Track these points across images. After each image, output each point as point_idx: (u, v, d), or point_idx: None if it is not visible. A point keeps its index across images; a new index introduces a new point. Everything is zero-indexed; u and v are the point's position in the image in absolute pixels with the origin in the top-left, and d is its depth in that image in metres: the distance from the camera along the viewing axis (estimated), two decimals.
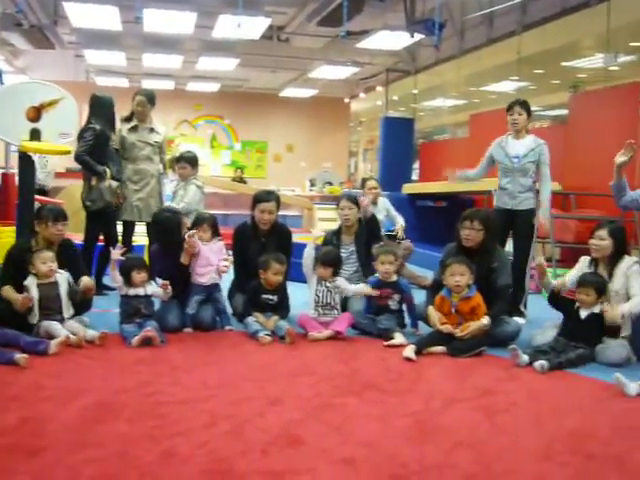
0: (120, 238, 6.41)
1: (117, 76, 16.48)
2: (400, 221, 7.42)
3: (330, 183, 16.66)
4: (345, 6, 9.49)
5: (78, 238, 6.11)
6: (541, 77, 13.17)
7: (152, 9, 9.83)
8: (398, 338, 4.83)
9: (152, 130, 6.50)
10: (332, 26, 11.42)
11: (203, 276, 5.12)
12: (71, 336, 4.38)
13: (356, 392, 3.72)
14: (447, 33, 10.99)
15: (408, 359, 4.42)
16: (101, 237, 6.37)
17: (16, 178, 7.11)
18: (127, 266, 4.82)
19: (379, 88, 16.77)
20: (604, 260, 4.81)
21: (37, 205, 6.06)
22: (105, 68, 15.92)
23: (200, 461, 2.71)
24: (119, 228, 6.49)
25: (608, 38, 9.19)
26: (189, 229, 5.22)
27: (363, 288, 5.17)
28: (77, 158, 6.19)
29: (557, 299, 4.84)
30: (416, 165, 14.96)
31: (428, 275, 5.61)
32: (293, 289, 5.40)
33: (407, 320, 5.25)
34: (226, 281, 5.51)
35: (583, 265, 4.95)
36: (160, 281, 4.91)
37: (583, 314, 4.64)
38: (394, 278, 5.23)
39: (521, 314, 5.78)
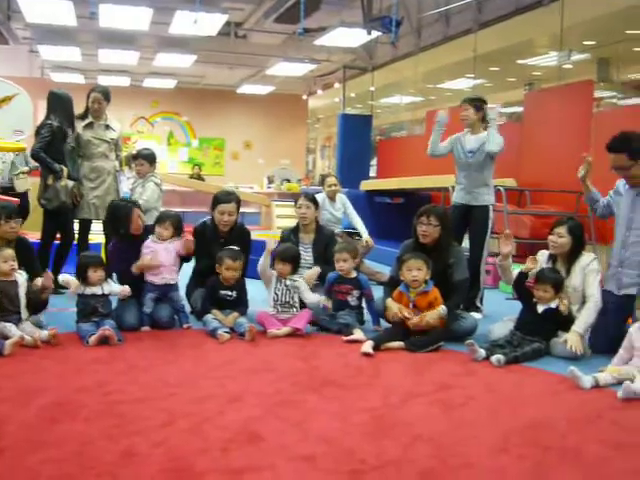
0: (77, 236, 6.35)
1: (72, 72, 16.28)
2: (364, 232, 7.38)
3: (288, 180, 16.66)
4: (302, 3, 9.49)
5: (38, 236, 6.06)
6: (497, 75, 13.33)
7: (107, 4, 9.73)
8: (357, 334, 4.86)
9: (108, 127, 6.43)
10: (289, 23, 11.44)
11: (155, 275, 5.08)
12: (26, 337, 4.32)
13: (315, 388, 3.74)
14: (404, 30, 11.07)
15: (366, 354, 4.45)
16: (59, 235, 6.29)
17: None
18: (83, 264, 4.77)
19: (337, 85, 16.81)
20: (563, 256, 4.88)
21: None
22: (60, 64, 15.72)
23: (159, 460, 2.70)
24: (76, 226, 6.42)
25: (562, 37, 9.33)
26: (152, 227, 5.20)
27: (320, 300, 5.19)
28: (33, 155, 6.12)
29: (522, 283, 4.87)
30: (374, 162, 15.02)
31: (386, 271, 5.65)
32: (252, 286, 5.39)
33: (367, 316, 5.28)
34: (185, 277, 5.49)
35: (542, 260, 5.03)
36: (119, 287, 4.88)
37: (540, 309, 4.72)
38: (354, 274, 5.27)
39: (477, 309, 5.85)
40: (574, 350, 4.48)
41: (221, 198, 5.45)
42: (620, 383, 3.82)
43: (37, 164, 6.38)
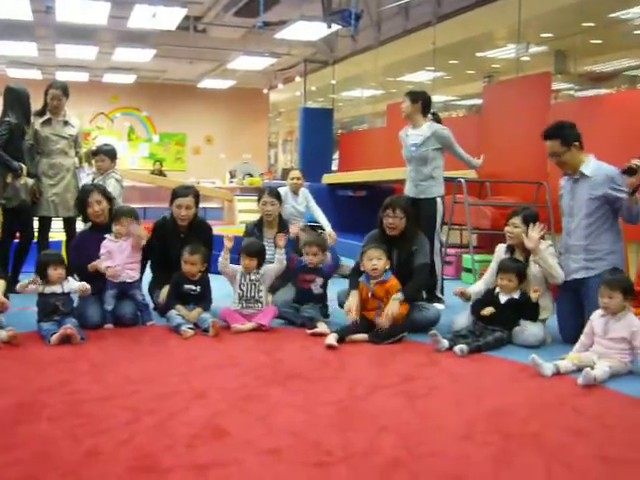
0: (36, 235, 6.27)
1: (29, 68, 16.01)
2: (327, 226, 7.39)
3: (250, 175, 16.61)
4: None
5: None
6: (456, 67, 13.41)
7: None
8: (321, 327, 4.88)
9: (66, 123, 6.35)
10: (249, 17, 11.40)
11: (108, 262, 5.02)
12: None
13: (280, 382, 3.75)
14: (364, 24, 11.08)
15: (330, 347, 4.48)
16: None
17: None
18: (43, 262, 4.71)
19: (298, 79, 16.80)
20: (520, 246, 4.96)
21: None
22: (16, 59, 15.44)
23: (124, 458, 2.68)
24: (36, 224, 6.33)
25: (519, 29, 9.42)
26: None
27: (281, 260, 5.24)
28: None
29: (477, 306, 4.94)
30: (336, 155, 15.04)
31: (350, 264, 5.67)
32: (216, 282, 5.37)
33: (331, 309, 5.30)
34: (147, 274, 5.46)
35: (500, 253, 5.10)
36: (79, 284, 4.82)
37: (503, 299, 4.78)
38: (319, 266, 5.31)
39: (439, 300, 5.91)
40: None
41: (178, 192, 5.40)
42: (580, 370, 3.89)
43: None
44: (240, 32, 13.15)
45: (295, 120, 16.89)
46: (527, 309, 4.74)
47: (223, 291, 5.40)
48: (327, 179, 11.38)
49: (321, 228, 7.37)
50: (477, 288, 5.08)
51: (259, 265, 5.19)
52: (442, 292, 6.05)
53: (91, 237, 5.12)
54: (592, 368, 3.89)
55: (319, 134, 13.75)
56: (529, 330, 4.71)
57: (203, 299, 5.12)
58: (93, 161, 6.40)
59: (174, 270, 5.15)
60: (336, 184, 11.09)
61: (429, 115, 6.16)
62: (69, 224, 6.33)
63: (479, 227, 7.98)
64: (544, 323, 4.87)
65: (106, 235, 5.08)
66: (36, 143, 6.21)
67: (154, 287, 5.45)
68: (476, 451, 2.85)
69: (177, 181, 14.04)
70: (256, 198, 6.16)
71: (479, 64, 12.68)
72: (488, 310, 4.74)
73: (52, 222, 6.39)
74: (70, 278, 4.83)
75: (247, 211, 10.95)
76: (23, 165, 5.94)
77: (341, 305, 5.26)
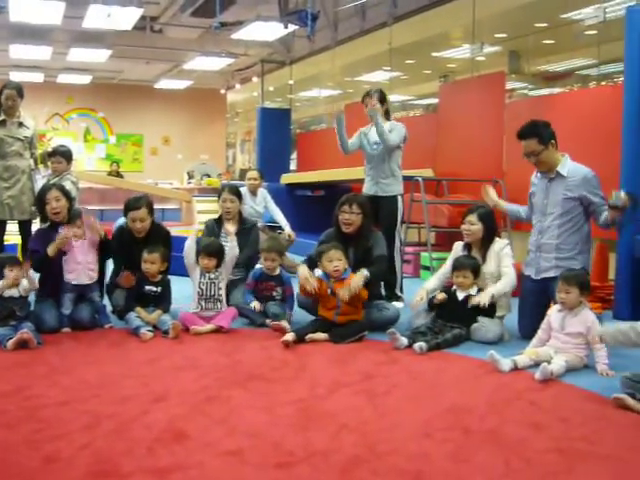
0: None
1: None
2: (286, 226, 7.40)
3: (208, 175, 16.54)
4: None
5: None
6: (412, 67, 13.51)
7: None
8: (283, 323, 4.89)
9: (21, 124, 6.24)
10: (206, 17, 11.33)
11: (71, 273, 4.95)
12: None
13: (241, 383, 3.74)
14: (321, 24, 11.09)
15: (286, 344, 4.49)
16: None
17: None
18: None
19: (255, 79, 16.76)
20: (477, 244, 5.02)
21: None
22: None
23: (83, 463, 2.65)
24: None
25: (474, 30, 9.53)
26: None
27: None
28: None
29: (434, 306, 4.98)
30: (294, 155, 15.05)
31: None
32: (176, 283, 5.33)
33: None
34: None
35: (457, 251, 5.16)
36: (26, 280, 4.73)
37: (460, 296, 4.84)
38: (277, 272, 5.32)
39: (399, 298, 5.95)
40: (478, 302, 4.68)
41: (130, 205, 5.24)
42: (538, 365, 3.96)
43: None
44: (197, 32, 13.07)
45: (253, 120, 16.85)
46: (484, 306, 4.79)
47: (184, 292, 5.37)
48: (285, 179, 11.38)
49: (280, 228, 7.39)
50: (432, 285, 5.10)
51: (218, 265, 5.18)
52: (401, 290, 6.10)
53: (49, 234, 5.01)
54: (549, 363, 3.96)
55: (277, 134, 13.75)
56: (487, 327, 4.77)
57: (163, 300, 5.09)
58: (49, 163, 6.31)
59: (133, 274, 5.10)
60: (294, 184, 11.11)
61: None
62: (24, 227, 6.23)
63: (437, 225, 8.06)
64: (502, 320, 4.94)
65: (62, 228, 4.95)
66: None
67: (113, 289, 5.38)
68: (435, 448, 2.88)
69: (134, 182, 13.97)
70: (214, 199, 6.14)
71: (435, 64, 12.78)
72: (441, 296, 4.80)
73: (7, 225, 6.28)
74: (24, 280, 4.72)
75: (206, 212, 10.89)
76: None
77: (301, 305, 5.27)
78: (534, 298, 4.92)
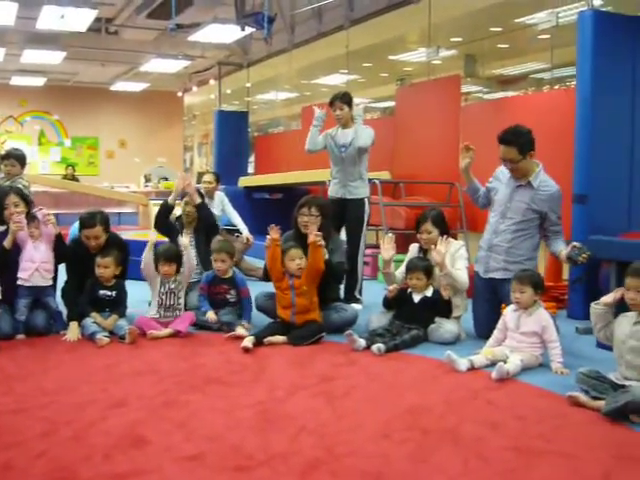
0: None
1: None
2: (244, 229, 7.38)
3: (166, 178, 16.43)
4: None
5: None
6: (370, 70, 13.58)
7: None
8: (239, 330, 4.87)
9: None
10: (162, 19, 11.24)
11: (25, 271, 4.85)
12: None
13: (199, 387, 3.73)
14: (278, 27, 11.10)
15: (246, 349, 4.48)
16: None
17: None
18: None
19: (212, 82, 16.67)
20: (433, 247, 5.05)
21: None
22: None
23: (40, 472, 2.62)
24: None
25: (430, 33, 9.62)
26: None
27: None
28: None
29: (389, 302, 5.03)
30: (252, 158, 15.02)
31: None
32: (132, 287, 5.28)
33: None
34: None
35: (413, 252, 5.19)
36: None
37: (416, 298, 4.88)
38: (230, 274, 5.28)
39: (357, 300, 5.98)
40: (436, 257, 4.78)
41: (84, 222, 5.04)
42: (494, 364, 4.01)
43: None
44: (153, 34, 12.97)
45: (210, 123, 16.76)
46: (440, 307, 4.84)
47: (139, 296, 5.33)
48: (243, 182, 11.36)
49: (238, 232, 7.37)
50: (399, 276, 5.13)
51: (177, 270, 5.14)
52: (360, 293, 6.12)
53: (5, 236, 4.92)
54: (505, 362, 4.02)
55: (235, 137, 13.72)
56: (444, 327, 4.82)
57: (119, 304, 5.03)
58: (2, 165, 6.20)
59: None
60: (252, 187, 11.09)
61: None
62: None
63: (394, 227, 8.11)
64: (459, 320, 5.00)
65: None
66: None
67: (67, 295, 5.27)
68: (394, 449, 2.90)
69: (90, 186, 13.79)
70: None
71: (392, 67, 12.88)
72: (393, 287, 4.86)
73: None
74: None
75: None
76: None
77: (259, 308, 5.26)
78: (485, 296, 4.99)
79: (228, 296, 5.22)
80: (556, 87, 8.44)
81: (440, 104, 8.86)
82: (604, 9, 6.35)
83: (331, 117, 6.17)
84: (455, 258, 4.98)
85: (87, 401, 3.46)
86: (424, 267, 4.89)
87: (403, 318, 4.84)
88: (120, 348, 4.60)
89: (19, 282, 4.86)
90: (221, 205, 7.59)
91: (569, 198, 5.68)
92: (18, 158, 6.13)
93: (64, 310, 5.10)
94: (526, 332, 4.23)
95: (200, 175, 7.96)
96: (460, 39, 10.90)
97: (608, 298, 3.65)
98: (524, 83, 10.54)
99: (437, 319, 4.87)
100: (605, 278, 5.50)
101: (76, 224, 5.46)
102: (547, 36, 8.47)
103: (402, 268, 5.12)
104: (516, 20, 9.57)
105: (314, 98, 13.89)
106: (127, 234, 7.97)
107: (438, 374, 4.06)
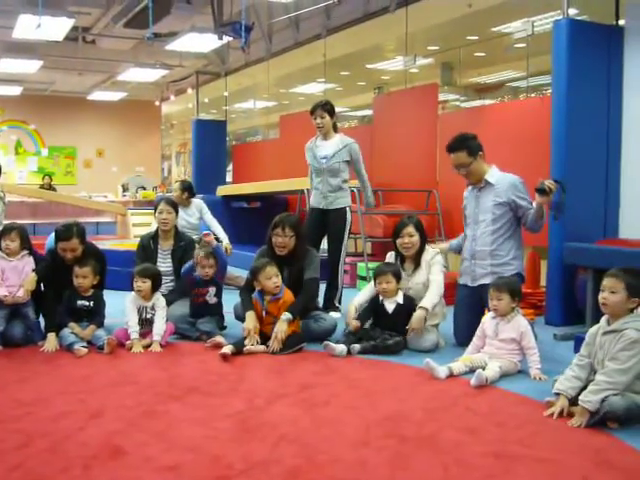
0: None
1: None
2: (224, 238, 7.34)
3: (144, 188, 16.37)
4: (150, 8, 9.34)
5: None
6: (347, 79, 13.60)
7: None
8: (218, 338, 4.85)
9: None
10: (139, 28, 11.20)
11: (7, 288, 4.81)
12: None
13: (178, 397, 3.70)
14: (255, 36, 11.10)
15: (224, 357, 4.47)
16: None
17: None
18: None
19: (190, 90, 16.65)
20: (412, 256, 5.06)
21: None
22: None
23: None
24: None
25: (407, 42, 9.66)
26: None
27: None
28: None
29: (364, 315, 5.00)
30: (230, 167, 14.99)
31: (245, 275, 5.66)
32: (110, 297, 5.24)
33: (227, 322, 5.28)
34: None
35: (390, 260, 5.19)
36: None
37: (390, 307, 4.88)
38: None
39: (336, 309, 5.97)
40: (413, 327, 4.72)
41: (59, 235, 5.00)
42: (473, 371, 4.03)
43: None
44: (130, 43, 12.92)
45: (188, 132, 16.71)
46: (413, 312, 4.83)
47: (118, 306, 5.29)
48: (221, 191, 11.33)
49: (217, 240, 7.33)
50: (360, 299, 5.07)
51: (154, 289, 5.07)
52: (340, 301, 6.12)
53: None
54: (483, 369, 4.04)
55: (212, 146, 13.70)
56: (423, 335, 4.83)
57: (97, 315, 4.99)
58: None
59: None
60: (230, 196, 11.07)
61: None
62: None
63: (373, 235, 8.14)
64: (437, 327, 5.01)
65: None
66: None
67: (43, 306, 5.21)
68: (373, 456, 2.90)
69: (68, 195, 13.71)
70: (150, 211, 6.07)
71: (369, 76, 12.89)
72: (354, 324, 4.85)
73: None
74: None
75: (141, 225, 10.75)
76: None
77: (237, 318, 5.25)
78: (469, 306, 5.01)
79: (207, 297, 5.20)
80: (532, 95, 8.50)
81: (417, 112, 8.91)
82: (579, 18, 6.42)
83: (311, 126, 6.16)
84: (431, 264, 5.00)
85: (64, 412, 3.43)
86: (392, 270, 4.88)
87: (381, 326, 4.85)
88: (98, 358, 4.56)
89: None
90: (198, 213, 7.55)
91: (546, 205, 5.72)
92: None
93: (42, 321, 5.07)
94: (504, 339, 4.26)
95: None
96: (437, 48, 10.94)
97: None
98: (500, 91, 10.61)
99: None
100: (582, 285, 5.55)
101: (51, 240, 5.38)
102: (523, 45, 8.52)
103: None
104: (492, 29, 9.62)
105: (292, 107, 13.90)
106: (105, 244, 7.94)
107: (417, 381, 4.07)
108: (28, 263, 4.94)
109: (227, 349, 4.53)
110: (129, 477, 2.66)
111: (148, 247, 5.75)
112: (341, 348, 4.59)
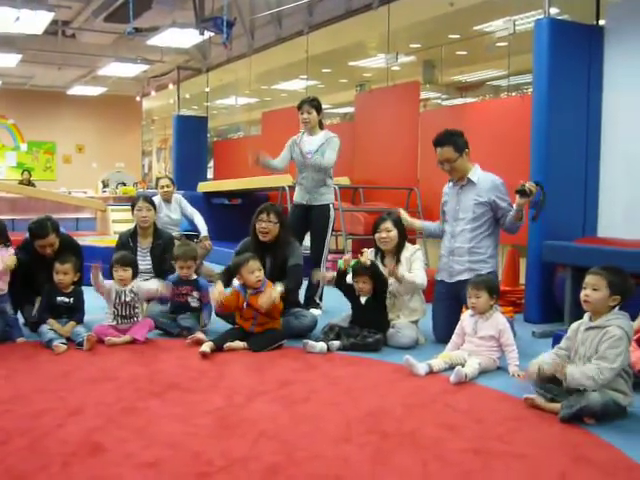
0: None
1: None
2: (203, 230, 7.30)
3: (124, 184, 16.29)
4: (131, 2, 9.30)
5: None
6: (329, 76, 13.62)
7: None
8: (199, 334, 4.84)
9: None
10: (120, 22, 11.16)
11: None
12: None
13: (158, 394, 3.69)
14: (237, 32, 11.09)
15: (203, 355, 4.46)
16: None
17: None
18: None
19: (171, 86, 16.58)
20: (391, 250, 5.09)
21: None
22: None
23: None
24: None
25: (389, 39, 9.68)
26: None
27: (160, 287, 5.13)
28: None
29: (343, 280, 5.01)
30: (211, 164, 14.96)
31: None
32: (89, 293, 5.21)
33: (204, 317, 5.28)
34: None
35: (369, 257, 5.20)
36: None
37: (362, 300, 4.90)
38: (193, 277, 5.26)
39: (317, 306, 5.99)
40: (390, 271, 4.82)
41: (36, 233, 4.97)
42: (452, 368, 4.06)
43: None
44: (111, 38, 12.87)
45: (169, 128, 16.67)
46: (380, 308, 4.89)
47: (97, 303, 5.26)
48: (202, 187, 11.31)
49: (197, 237, 7.31)
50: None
51: (133, 276, 5.09)
52: (321, 298, 6.13)
53: None
54: (463, 366, 4.06)
55: (193, 142, 13.67)
56: (403, 332, 4.85)
57: (76, 311, 4.97)
58: None
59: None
60: (211, 192, 11.05)
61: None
62: None
63: (353, 233, 8.15)
64: (417, 324, 5.03)
65: None
66: None
67: (21, 302, 5.19)
68: (354, 452, 2.91)
69: (47, 191, 13.61)
70: (130, 207, 6.03)
71: (351, 73, 12.92)
72: (330, 275, 4.98)
73: None
74: None
75: (121, 221, 10.69)
76: None
77: (218, 314, 5.24)
78: (447, 302, 5.04)
79: (189, 298, 5.19)
80: (513, 94, 8.56)
81: (399, 110, 8.93)
82: (560, 17, 6.45)
83: (293, 123, 6.16)
84: (412, 260, 5.03)
85: (43, 409, 3.41)
86: (371, 272, 4.88)
87: (358, 322, 4.85)
88: (78, 355, 4.54)
89: None
90: (179, 208, 7.52)
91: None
92: None
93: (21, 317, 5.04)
94: (484, 336, 4.28)
95: (158, 180, 7.89)
96: (419, 45, 10.99)
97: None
98: (482, 90, 10.67)
99: (396, 324, 4.91)
100: (560, 283, 5.59)
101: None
102: (504, 44, 8.57)
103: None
104: (474, 27, 9.68)
105: (274, 104, 13.89)
106: (85, 240, 7.89)
107: (397, 378, 4.08)
108: (8, 253, 4.90)
109: (207, 347, 4.52)
110: (109, 474, 2.65)
111: (127, 244, 5.74)
112: (321, 346, 4.60)
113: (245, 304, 4.80)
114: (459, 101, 10.30)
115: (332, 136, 6.09)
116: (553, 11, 6.07)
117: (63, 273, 4.92)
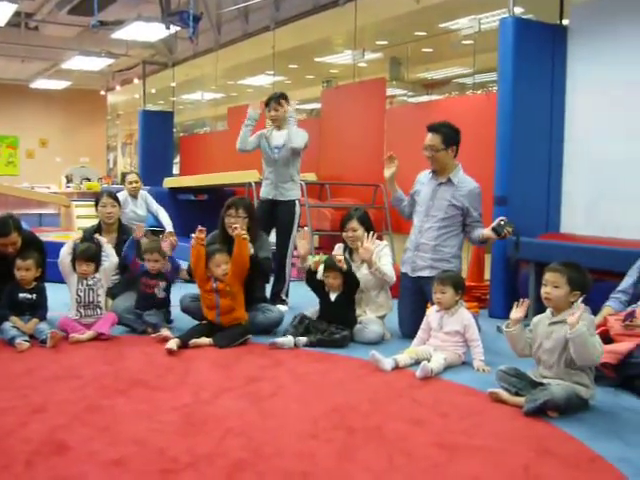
0: None
1: None
2: (168, 226, 7.25)
3: (88, 179, 16.13)
4: None
5: None
6: (296, 72, 13.59)
7: None
8: (165, 331, 4.82)
9: None
10: (84, 15, 11.04)
11: None
12: None
13: (123, 391, 3.67)
14: (204, 26, 11.03)
15: (170, 351, 4.43)
16: None
17: None
18: None
19: (136, 81, 16.45)
20: (358, 247, 5.09)
21: None
22: None
23: None
24: None
25: (356, 36, 9.69)
26: None
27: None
28: None
29: (313, 277, 5.02)
30: (177, 159, 14.86)
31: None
32: (52, 290, 5.16)
33: (173, 315, 5.25)
34: None
35: (339, 252, 5.21)
36: None
37: (332, 296, 4.91)
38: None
39: (283, 302, 5.99)
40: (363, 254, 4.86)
41: None
42: (418, 363, 4.08)
43: None
44: (75, 31, 12.73)
45: (134, 123, 16.50)
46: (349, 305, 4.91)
47: (60, 299, 5.21)
48: (168, 183, 11.22)
49: (162, 233, 7.25)
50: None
51: (96, 270, 5.05)
52: (287, 294, 6.13)
53: None
54: (429, 361, 4.09)
55: (159, 137, 13.58)
56: (369, 327, 4.87)
57: (39, 308, 4.91)
58: None
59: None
60: (177, 188, 10.96)
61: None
62: None
63: (320, 229, 8.16)
64: (383, 319, 5.06)
65: None
66: None
67: None
68: (321, 447, 2.92)
69: (9, 186, 13.41)
70: (94, 203, 5.96)
71: (318, 69, 12.90)
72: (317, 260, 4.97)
73: None
74: None
75: (86, 217, 10.56)
76: None
77: (184, 310, 5.22)
78: (411, 296, 5.08)
79: (156, 290, 5.16)
80: (478, 92, 8.61)
81: (365, 106, 8.96)
82: (525, 17, 6.52)
83: (260, 120, 6.15)
84: (380, 256, 5.04)
85: (6, 408, 3.36)
86: (341, 269, 4.88)
87: (326, 317, 4.86)
88: (41, 352, 4.48)
89: None
90: (145, 204, 7.47)
91: (490, 200, 5.82)
92: None
93: None
94: (449, 332, 4.32)
95: (125, 176, 7.82)
96: (385, 42, 11.01)
97: (516, 314, 3.72)
98: (447, 87, 10.72)
99: (363, 319, 4.92)
100: (524, 278, 5.66)
101: None
102: (470, 42, 8.62)
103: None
104: (440, 25, 9.72)
105: (240, 99, 13.82)
106: (49, 235, 7.79)
107: (363, 374, 4.10)
108: None
109: (173, 344, 4.49)
110: (73, 472, 2.63)
111: (91, 241, 5.67)
112: (288, 340, 4.60)
113: (215, 293, 4.78)
114: (425, 98, 10.33)
115: (300, 129, 6.10)
116: (518, 10, 6.13)
117: (25, 269, 4.86)
